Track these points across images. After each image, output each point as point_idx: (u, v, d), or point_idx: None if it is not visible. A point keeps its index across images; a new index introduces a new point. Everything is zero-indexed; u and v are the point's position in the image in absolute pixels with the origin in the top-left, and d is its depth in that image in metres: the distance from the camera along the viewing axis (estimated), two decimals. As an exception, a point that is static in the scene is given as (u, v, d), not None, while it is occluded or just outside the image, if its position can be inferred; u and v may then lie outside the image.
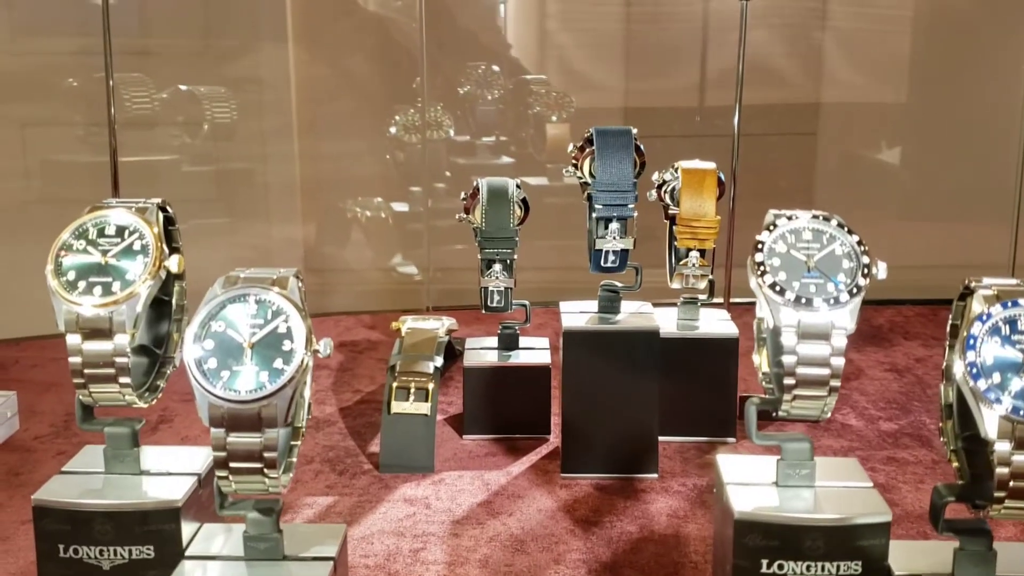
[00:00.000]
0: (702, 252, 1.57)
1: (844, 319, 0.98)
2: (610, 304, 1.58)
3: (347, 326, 2.29)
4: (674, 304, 1.72)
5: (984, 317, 0.91)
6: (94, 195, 2.35)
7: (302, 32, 2.56)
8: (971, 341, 0.90)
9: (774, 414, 1.05)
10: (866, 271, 1.00)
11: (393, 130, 2.70)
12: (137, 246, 1.01)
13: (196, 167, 2.55)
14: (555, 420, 1.69)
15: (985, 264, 2.52)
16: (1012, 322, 0.91)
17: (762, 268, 1.00)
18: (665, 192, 1.63)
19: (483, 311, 1.65)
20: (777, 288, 0.99)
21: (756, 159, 2.51)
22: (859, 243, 1.02)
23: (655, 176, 1.63)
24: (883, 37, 2.66)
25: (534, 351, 1.73)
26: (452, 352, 1.86)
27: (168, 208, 1.09)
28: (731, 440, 1.66)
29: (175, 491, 1.03)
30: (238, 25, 2.52)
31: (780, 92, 2.63)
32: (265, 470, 0.93)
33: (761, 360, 1.10)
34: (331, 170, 2.65)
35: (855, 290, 0.99)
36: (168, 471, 1.06)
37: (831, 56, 2.66)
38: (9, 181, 2.40)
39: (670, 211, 1.62)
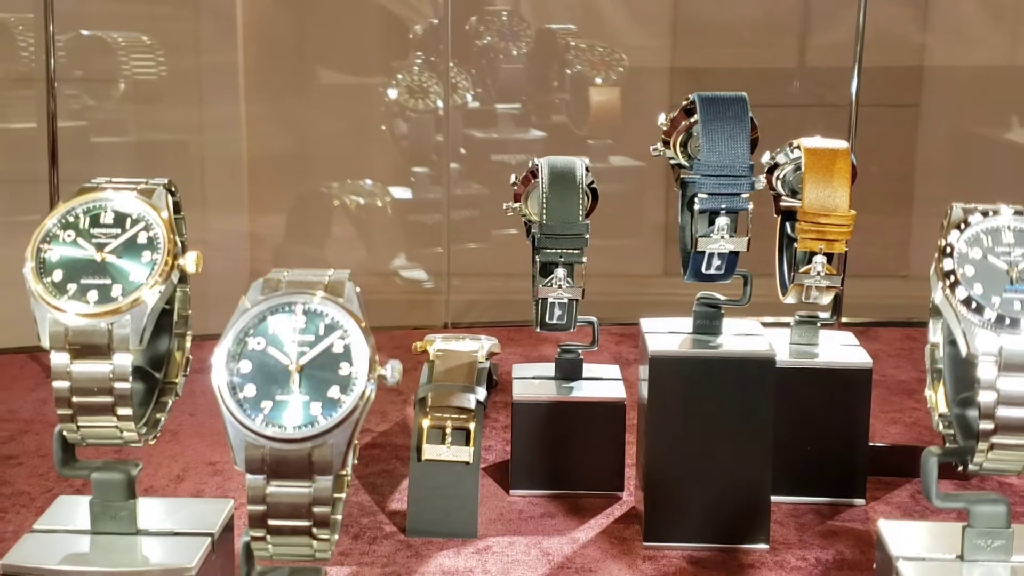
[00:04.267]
0: (829, 256, 1.58)
1: (1059, 346, 0.99)
2: (709, 323, 1.59)
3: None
4: (785, 324, 1.73)
5: None
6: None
7: None
8: None
9: (958, 467, 1.05)
10: (1086, 284, 1.01)
11: (392, 93, 2.69)
12: (143, 239, 1.02)
13: (108, 137, 2.55)
14: (629, 472, 1.70)
15: None
16: None
17: (952, 278, 1.01)
18: (778, 179, 1.64)
19: (538, 329, 1.66)
20: (973, 305, 1.00)
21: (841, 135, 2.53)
22: (1076, 248, 1.03)
23: (765, 158, 1.65)
24: None
25: (603, 382, 1.74)
26: (490, 382, 1.87)
27: (175, 191, 1.10)
28: (860, 502, 1.67)
29: (185, 556, 1.03)
30: None
31: (875, 53, 2.65)
32: (314, 530, 0.93)
33: (937, 398, 1.11)
34: (296, 143, 2.64)
35: (1074, 309, 1.00)
36: (173, 530, 1.06)
37: (942, 5, 2.67)
38: None
39: (784, 203, 1.63)
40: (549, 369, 1.76)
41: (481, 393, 1.67)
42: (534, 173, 1.65)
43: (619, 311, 2.17)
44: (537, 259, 1.63)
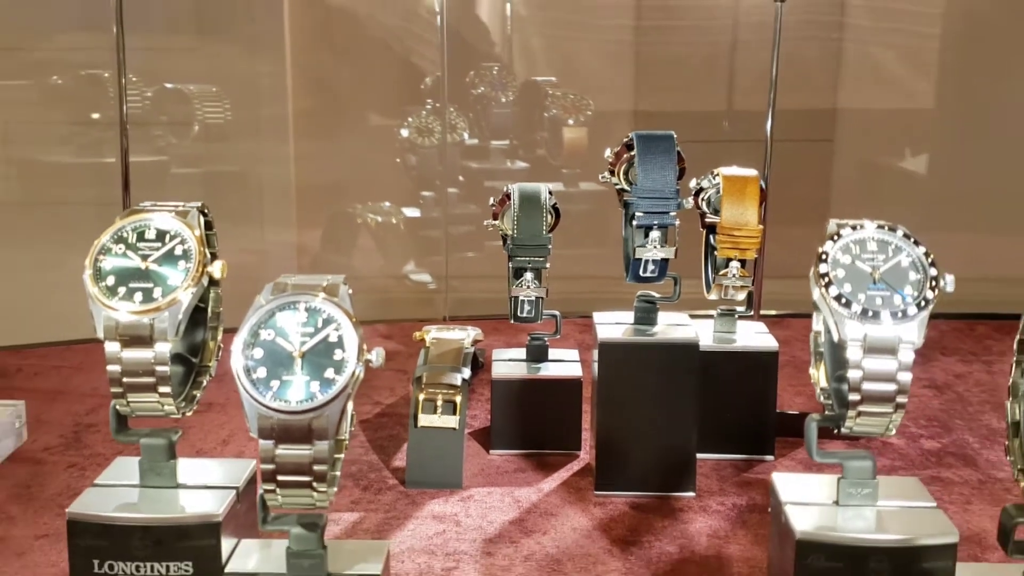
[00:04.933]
0: (743, 262, 1.58)
1: (911, 333, 0.99)
2: (647, 315, 1.59)
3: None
4: (709, 316, 1.73)
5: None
6: (81, 196, 2.37)
7: (300, 31, 2.56)
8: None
9: (835, 431, 1.05)
10: (934, 284, 1.01)
11: (405, 132, 2.70)
12: (179, 251, 1.02)
13: (185, 169, 2.56)
14: (585, 435, 1.70)
15: (1020, 277, 2.53)
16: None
17: (827, 279, 1.01)
18: (703, 200, 1.64)
19: (512, 321, 1.66)
20: (843, 300, 1.00)
21: (777, 166, 2.52)
22: (926, 255, 1.02)
23: (692, 183, 1.64)
24: (909, 40, 2.68)
25: (564, 363, 1.74)
26: (476, 364, 1.86)
27: (207, 212, 1.10)
28: (769, 458, 1.66)
29: (215, 505, 1.03)
30: (233, 19, 2.52)
31: (797, 96, 2.64)
32: (314, 484, 0.93)
33: (819, 375, 1.11)
34: (333, 173, 2.65)
35: (923, 303, 1.00)
36: (206, 484, 1.06)
37: (852, 60, 2.67)
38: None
39: (707, 219, 1.63)
40: (522, 353, 1.75)
41: (466, 372, 1.66)
42: (508, 196, 1.65)
43: (586, 306, 2.16)
44: (510, 265, 1.63)
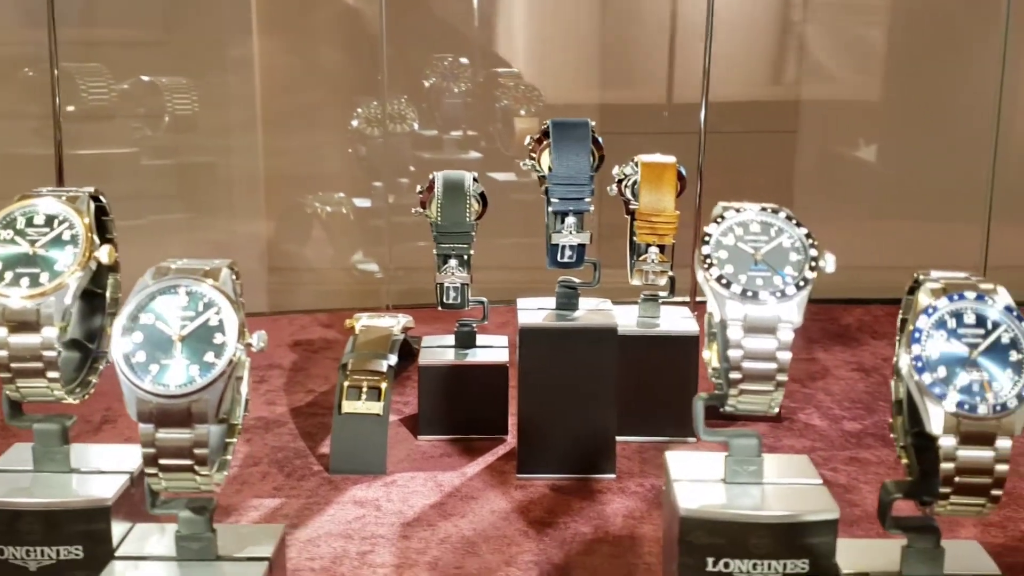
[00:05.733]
0: (661, 248, 1.59)
1: (791, 312, 1.00)
2: (568, 301, 1.59)
3: (302, 324, 2.29)
4: (637, 302, 1.73)
5: (930, 311, 0.93)
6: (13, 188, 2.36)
7: (267, 23, 2.55)
8: (916, 335, 0.92)
9: (721, 409, 1.06)
10: (814, 264, 1.01)
11: (355, 123, 2.69)
12: (67, 236, 1.01)
13: (156, 160, 2.54)
14: (513, 420, 1.70)
15: (957, 264, 2.55)
16: (958, 316, 0.93)
17: (709, 261, 1.02)
18: (626, 187, 1.64)
19: (439, 307, 1.66)
20: (723, 281, 1.00)
21: (735, 157, 2.54)
22: (807, 236, 1.03)
23: (615, 170, 1.65)
24: (863, 32, 2.70)
25: (492, 349, 1.74)
26: (409, 351, 1.87)
27: (101, 197, 1.09)
28: (692, 440, 1.67)
29: (106, 489, 1.03)
30: (201, 14, 2.52)
31: (761, 90, 2.66)
32: (196, 467, 0.93)
33: (712, 355, 1.11)
34: (295, 164, 2.65)
35: (802, 283, 1.00)
36: (99, 469, 1.06)
37: (811, 53, 2.69)
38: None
39: (630, 206, 1.64)
40: (451, 340, 1.76)
41: (392, 359, 1.67)
42: (433, 184, 1.65)
43: (528, 294, 2.17)
44: (435, 252, 1.63)
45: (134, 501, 1.05)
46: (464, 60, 2.78)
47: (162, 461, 0.93)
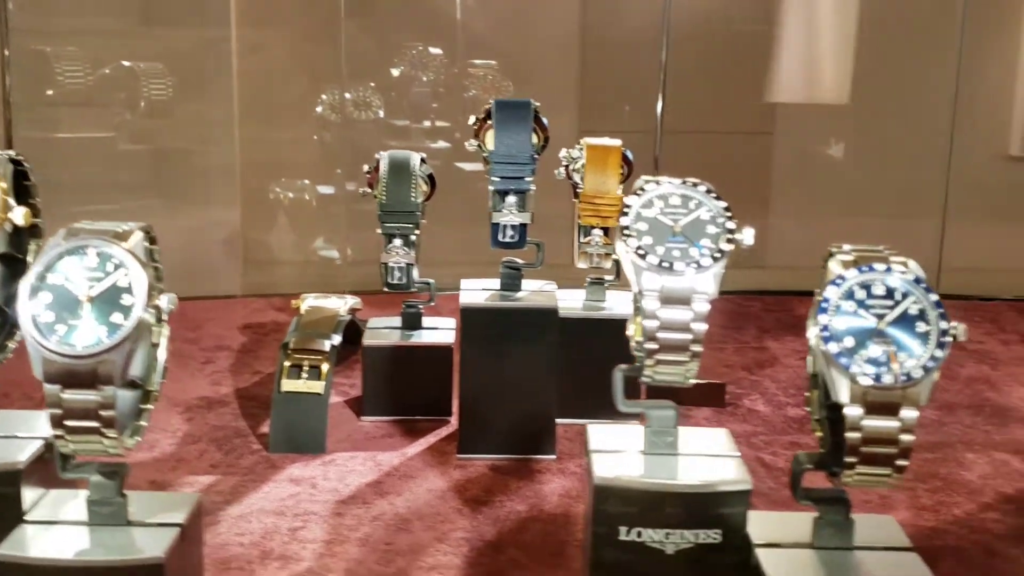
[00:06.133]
0: (605, 230, 1.59)
1: (707, 284, 1.00)
2: (511, 281, 1.60)
3: (256, 308, 2.29)
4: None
5: (838, 281, 0.93)
6: None
7: (246, 11, 2.55)
8: (824, 305, 0.93)
9: (640, 380, 1.06)
10: (730, 236, 1.02)
11: (319, 109, 2.69)
12: (-22, 198, 1.01)
13: (133, 146, 2.54)
14: (457, 401, 1.70)
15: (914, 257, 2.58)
16: (867, 287, 0.93)
17: (627, 232, 1.02)
18: (574, 170, 1.65)
19: (384, 288, 1.66)
20: (641, 252, 1.01)
21: (715, 156, 2.57)
22: (726, 209, 1.04)
23: (562, 153, 1.65)
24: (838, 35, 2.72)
25: (438, 331, 1.74)
26: (358, 333, 1.86)
27: (23, 162, 1.09)
28: (635, 422, 1.67)
29: (17, 454, 1.02)
30: (180, 3, 2.52)
31: (739, 90, 2.67)
32: (103, 430, 0.93)
33: (635, 329, 1.11)
34: (267, 152, 2.65)
35: (718, 255, 1.01)
36: (14, 435, 1.05)
37: (788, 55, 2.70)
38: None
39: (578, 189, 1.64)
40: (398, 322, 1.76)
41: (336, 339, 1.66)
42: (380, 164, 1.66)
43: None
44: (379, 231, 1.63)
45: (49, 467, 1.04)
46: (435, 50, 2.78)
47: (68, 423, 0.92)
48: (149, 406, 1.01)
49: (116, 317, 0.92)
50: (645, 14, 2.61)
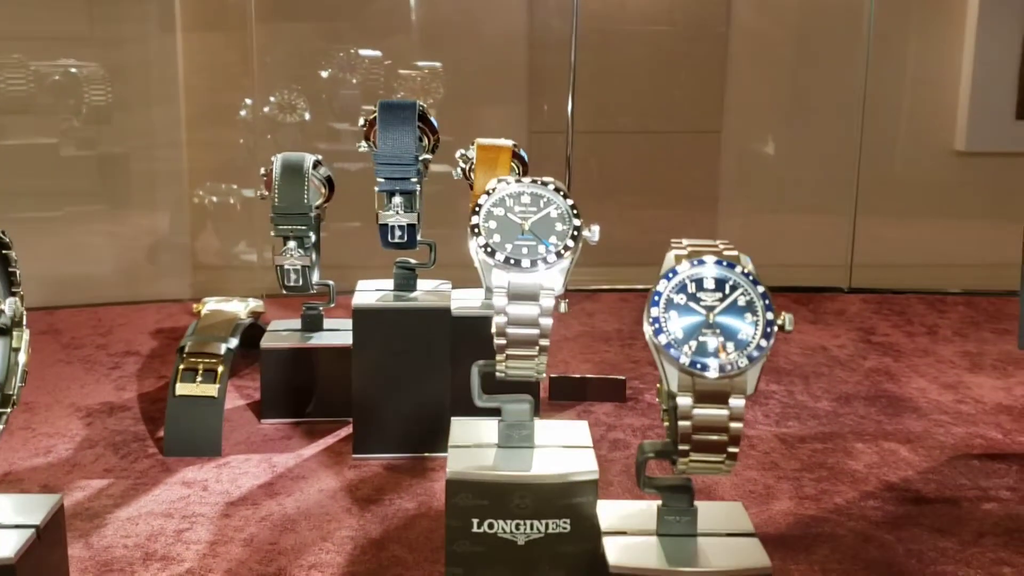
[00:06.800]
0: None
1: (553, 280, 1.03)
2: (405, 282, 1.62)
3: (169, 313, 2.30)
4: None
5: (670, 275, 0.97)
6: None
7: (190, 17, 2.56)
8: (656, 298, 0.96)
9: (497, 375, 1.09)
10: (576, 233, 1.05)
11: (243, 113, 2.71)
12: None
13: (77, 152, 2.53)
14: (357, 402, 1.73)
15: (826, 255, 2.65)
16: (698, 280, 0.97)
17: (477, 230, 1.05)
18: (470, 170, 1.67)
19: (283, 291, 1.68)
20: (489, 250, 1.04)
21: (662, 156, 2.61)
22: (573, 207, 1.07)
23: (458, 153, 1.68)
24: (778, 31, 2.77)
25: (338, 332, 1.76)
26: (261, 335, 1.88)
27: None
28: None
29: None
30: (124, 9, 2.52)
31: (683, 90, 2.72)
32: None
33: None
34: (205, 157, 2.65)
35: (563, 251, 1.04)
36: None
37: (736, 54, 2.76)
38: None
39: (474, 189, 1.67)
40: (298, 323, 1.78)
41: (233, 343, 1.68)
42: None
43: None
44: (272, 234, 1.65)
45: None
46: (369, 52, 2.80)
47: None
48: (7, 410, 1.02)
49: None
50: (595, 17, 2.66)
